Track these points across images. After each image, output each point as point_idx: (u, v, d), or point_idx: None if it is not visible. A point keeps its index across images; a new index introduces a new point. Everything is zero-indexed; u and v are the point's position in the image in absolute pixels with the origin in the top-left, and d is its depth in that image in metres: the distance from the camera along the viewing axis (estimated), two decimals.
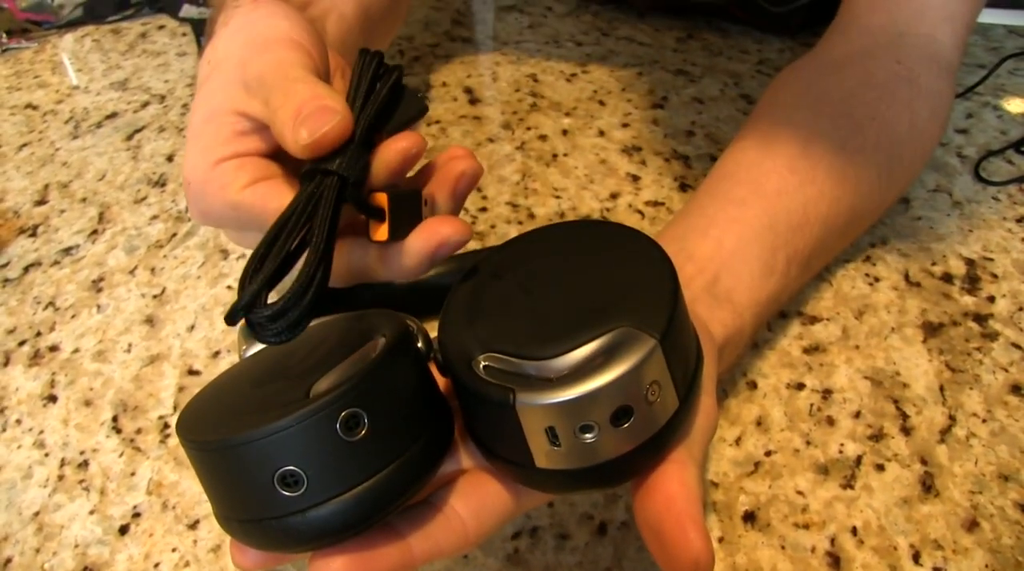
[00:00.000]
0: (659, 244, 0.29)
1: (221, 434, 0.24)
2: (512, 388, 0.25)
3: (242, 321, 0.36)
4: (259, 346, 0.31)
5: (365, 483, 0.24)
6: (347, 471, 0.24)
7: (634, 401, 0.25)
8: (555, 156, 0.60)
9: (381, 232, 0.28)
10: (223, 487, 0.25)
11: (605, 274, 0.28)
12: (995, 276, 0.48)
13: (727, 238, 0.40)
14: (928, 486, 0.39)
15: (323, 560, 0.25)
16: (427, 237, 0.28)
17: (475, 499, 0.28)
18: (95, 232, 0.58)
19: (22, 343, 0.51)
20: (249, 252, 0.26)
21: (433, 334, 0.29)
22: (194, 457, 0.26)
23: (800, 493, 0.39)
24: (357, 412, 0.24)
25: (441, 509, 0.27)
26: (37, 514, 0.41)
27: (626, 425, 0.25)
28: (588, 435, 0.25)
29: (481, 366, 0.26)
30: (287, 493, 0.24)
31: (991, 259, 0.49)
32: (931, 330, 0.45)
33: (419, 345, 0.28)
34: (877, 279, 0.48)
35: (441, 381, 0.29)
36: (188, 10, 0.84)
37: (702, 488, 0.27)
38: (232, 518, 0.26)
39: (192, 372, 0.47)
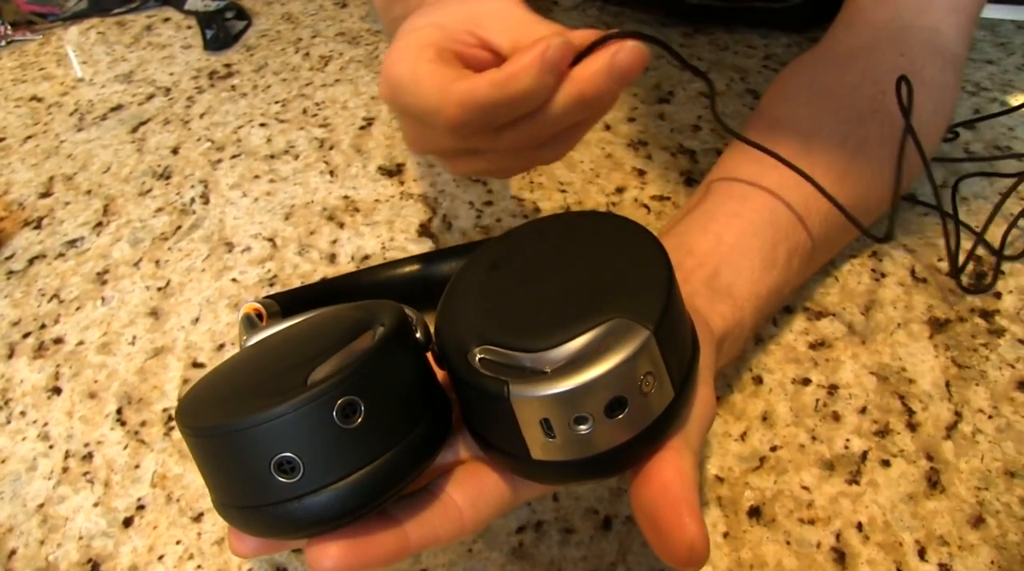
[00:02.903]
0: (654, 235, 0.29)
1: (219, 420, 0.24)
2: (506, 380, 0.25)
3: (243, 311, 0.36)
4: (260, 336, 0.31)
5: (361, 470, 0.24)
6: (343, 458, 0.24)
7: (628, 392, 0.25)
8: None
9: None
10: (221, 473, 0.26)
11: (601, 265, 0.28)
12: (1003, 272, 0.48)
13: (727, 233, 0.40)
14: (934, 482, 0.38)
15: (319, 547, 0.25)
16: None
17: (472, 488, 0.28)
18: (100, 224, 0.58)
19: (27, 335, 0.51)
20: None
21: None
22: (192, 443, 0.26)
23: (805, 488, 0.39)
24: (353, 400, 0.24)
25: (438, 497, 0.27)
26: (41, 506, 0.41)
27: (620, 416, 0.25)
28: (583, 427, 0.25)
29: (477, 359, 0.26)
30: (283, 480, 0.24)
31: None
32: (937, 326, 0.45)
33: (418, 335, 0.28)
34: (883, 275, 0.48)
35: (440, 373, 0.29)
36: (193, 3, 0.84)
37: (698, 476, 0.27)
38: (230, 505, 0.26)
39: (196, 365, 0.47)
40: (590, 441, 0.25)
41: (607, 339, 0.25)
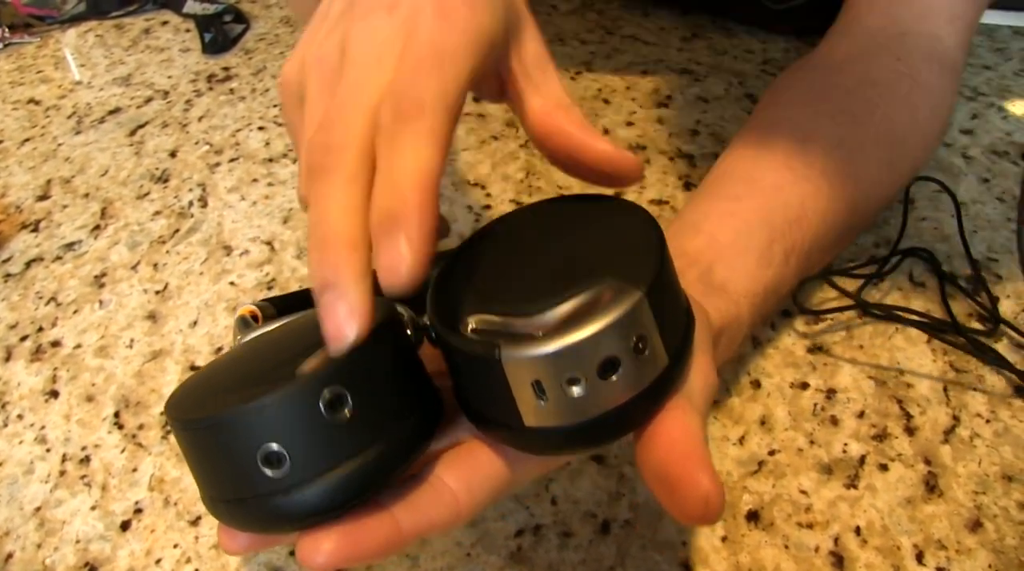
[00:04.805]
0: (646, 209, 0.29)
1: (206, 412, 0.24)
2: (497, 344, 0.25)
3: (238, 313, 0.36)
4: (254, 336, 0.31)
5: (348, 463, 0.24)
6: (330, 450, 0.24)
7: (621, 353, 0.25)
8: None
9: None
10: (208, 466, 0.25)
11: (593, 237, 0.28)
12: (999, 277, 0.48)
13: (721, 232, 0.39)
14: (932, 486, 0.39)
15: (310, 541, 0.24)
16: None
17: (465, 469, 0.27)
18: (97, 227, 0.58)
19: (24, 338, 0.51)
20: None
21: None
22: (180, 436, 0.26)
23: (804, 492, 0.39)
24: (340, 390, 0.24)
25: (428, 481, 0.27)
26: (38, 509, 0.41)
27: (614, 378, 0.25)
28: (575, 388, 0.25)
29: (469, 328, 0.26)
30: (270, 472, 0.24)
31: (996, 260, 0.49)
32: (935, 330, 0.45)
33: (408, 332, 0.28)
34: (881, 279, 0.48)
35: (432, 365, 0.29)
36: (192, 6, 0.84)
37: (706, 434, 0.27)
38: (218, 499, 0.26)
39: (194, 368, 0.47)
40: (584, 404, 0.25)
41: (599, 301, 0.25)
